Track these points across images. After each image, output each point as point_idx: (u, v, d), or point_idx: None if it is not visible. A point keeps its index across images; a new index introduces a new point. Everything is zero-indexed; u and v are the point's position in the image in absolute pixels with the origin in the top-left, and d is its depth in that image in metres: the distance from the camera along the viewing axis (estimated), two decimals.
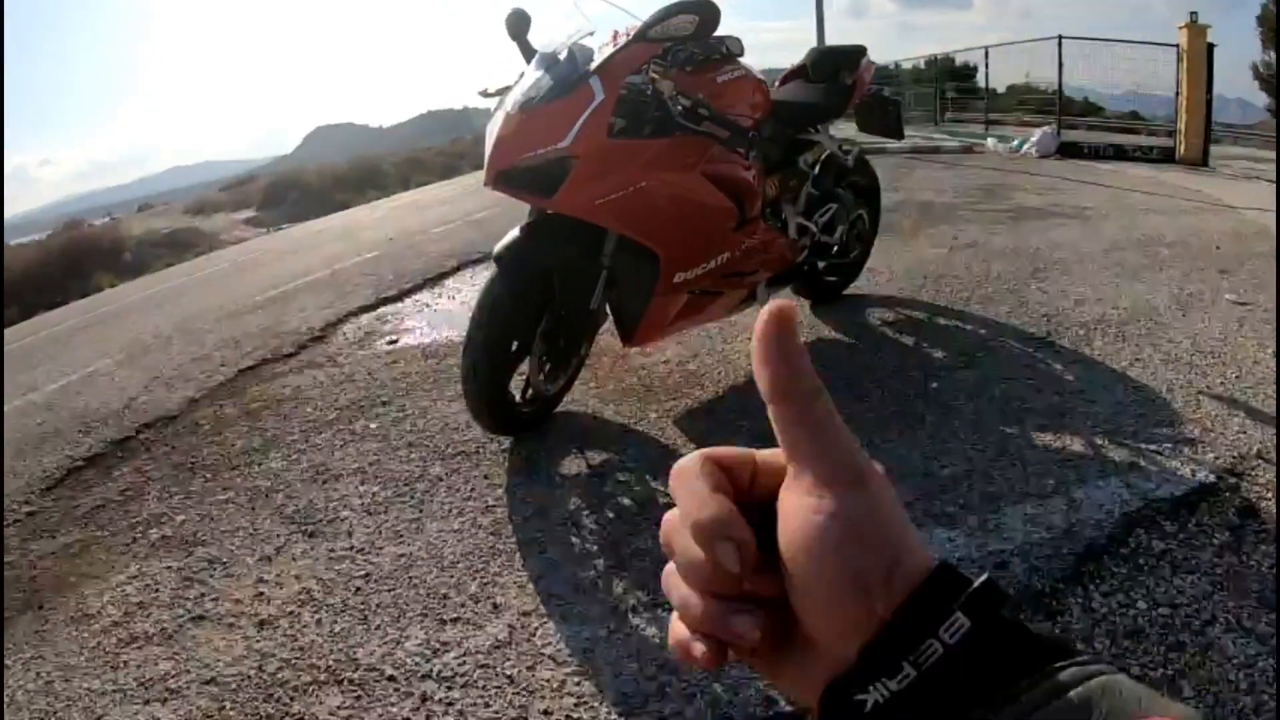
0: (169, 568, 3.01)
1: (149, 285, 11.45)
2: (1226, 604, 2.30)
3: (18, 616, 2.94)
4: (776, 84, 4.62)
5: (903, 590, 0.38)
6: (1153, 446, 3.18)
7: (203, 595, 2.81)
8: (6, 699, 2.52)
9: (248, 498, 3.44)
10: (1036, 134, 14.06)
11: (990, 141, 15.03)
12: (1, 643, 2.76)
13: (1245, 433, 3.27)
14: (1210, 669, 2.07)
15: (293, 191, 30.17)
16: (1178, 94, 13.63)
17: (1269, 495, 2.85)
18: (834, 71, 4.55)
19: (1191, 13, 13.34)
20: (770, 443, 0.42)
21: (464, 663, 2.31)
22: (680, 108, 3.24)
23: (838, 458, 0.40)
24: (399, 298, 6.28)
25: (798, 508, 0.40)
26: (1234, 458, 3.07)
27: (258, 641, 2.52)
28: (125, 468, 3.98)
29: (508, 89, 3.42)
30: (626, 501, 3.04)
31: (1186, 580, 2.40)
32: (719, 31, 3.42)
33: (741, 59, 3.85)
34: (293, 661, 2.41)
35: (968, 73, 22.81)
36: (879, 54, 4.51)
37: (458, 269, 6.99)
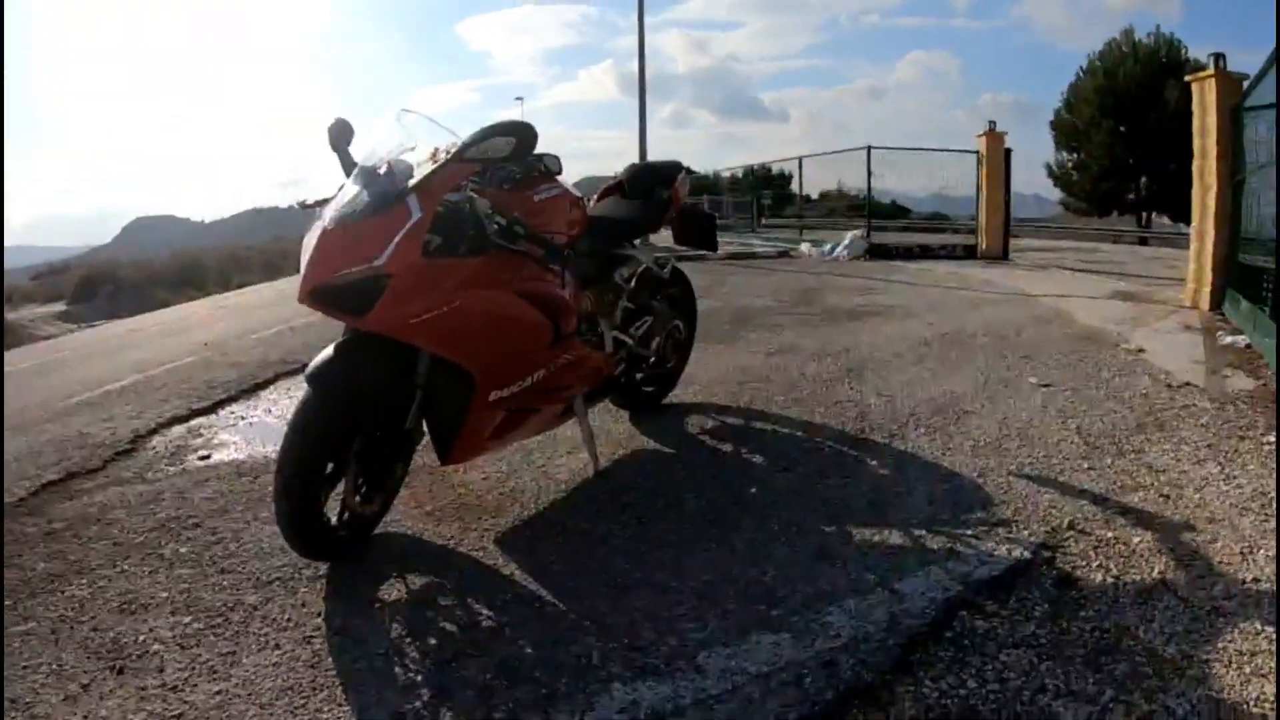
0: None
1: None
2: (1055, 671, 2.43)
3: None
4: (593, 199, 4.74)
5: None
6: (969, 531, 3.36)
7: None
8: None
9: (50, 629, 3.20)
10: (847, 238, 14.79)
11: (805, 246, 15.69)
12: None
13: (1056, 507, 3.53)
14: None
15: (108, 285, 29.09)
16: (978, 195, 14.55)
17: (1083, 564, 3.07)
18: (650, 187, 4.71)
19: (990, 122, 14.45)
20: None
21: None
22: (495, 226, 3.28)
23: None
24: (213, 409, 6.06)
25: None
26: (1047, 532, 3.31)
27: None
28: None
29: (326, 201, 3.40)
30: (449, 627, 2.98)
31: (1013, 655, 2.53)
32: (541, 147, 3.51)
33: (559, 177, 3.94)
34: None
35: (784, 180, 23.88)
36: (700, 163, 4.73)
37: (274, 380, 6.81)
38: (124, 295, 26.85)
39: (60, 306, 28.69)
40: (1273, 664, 2.43)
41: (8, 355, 13.27)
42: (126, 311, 20.95)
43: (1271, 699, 2.29)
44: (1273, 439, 4.16)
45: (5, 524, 4.23)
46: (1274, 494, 3.55)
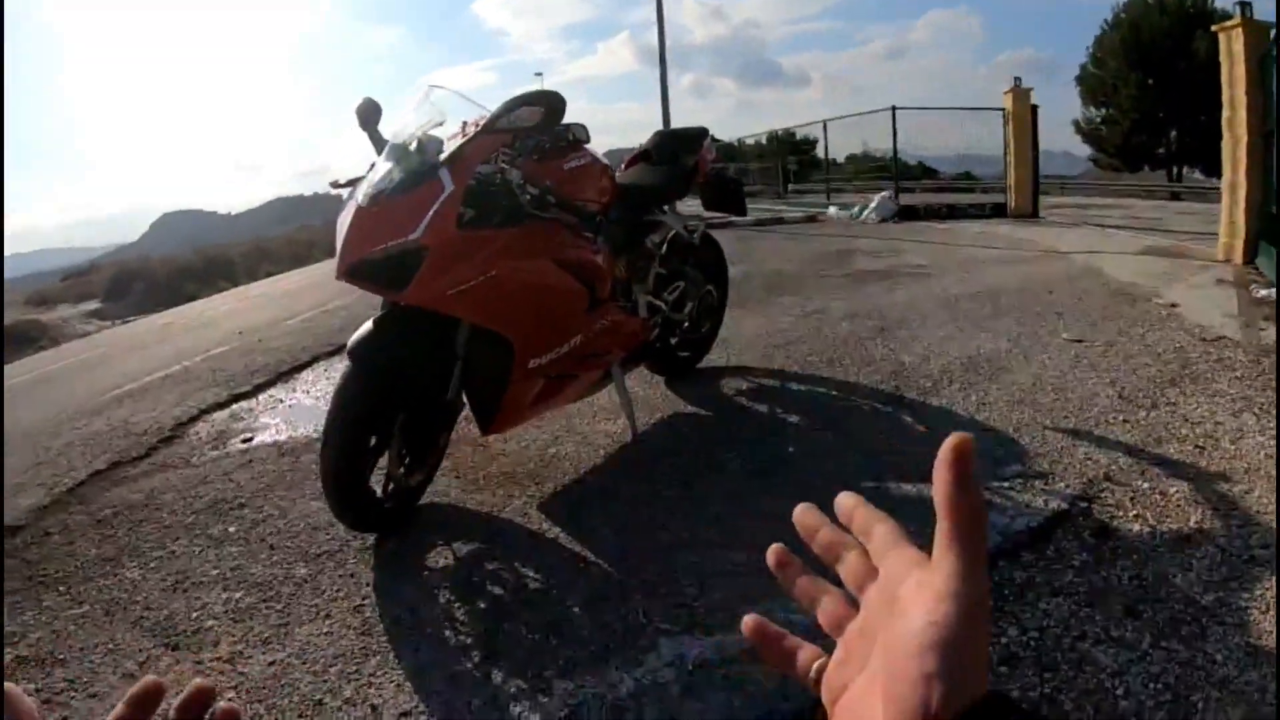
0: (26, 690, 2.83)
1: None
2: (1093, 618, 2.45)
3: None
4: (622, 167, 4.76)
5: (959, 707, 0.44)
6: (1006, 484, 3.38)
7: (65, 718, 2.68)
8: None
9: (105, 611, 3.27)
10: (875, 200, 14.62)
11: (832, 210, 15.56)
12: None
13: (1092, 460, 3.54)
14: (1086, 681, 2.20)
15: (138, 282, 29.24)
16: (1006, 153, 14.37)
17: (1120, 514, 3.07)
18: (676, 154, 4.73)
19: (1015, 78, 14.20)
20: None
21: None
22: (528, 196, 3.32)
23: (972, 582, 0.47)
24: (252, 394, 6.15)
25: (921, 602, 0.47)
26: (1083, 484, 3.31)
27: None
28: None
29: (359, 180, 3.44)
30: (496, 590, 3.04)
31: (1052, 603, 2.56)
32: (565, 119, 3.53)
33: (588, 145, 3.96)
34: None
35: (808, 145, 23.70)
36: (723, 131, 4.75)
37: (310, 362, 6.88)
38: (155, 291, 26.92)
39: (93, 305, 28.80)
40: None
41: (47, 354, 13.44)
42: (159, 306, 21.07)
43: None
44: None
45: (55, 513, 4.31)
46: None
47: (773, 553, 0.61)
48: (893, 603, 0.50)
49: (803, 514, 0.61)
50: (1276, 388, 4.14)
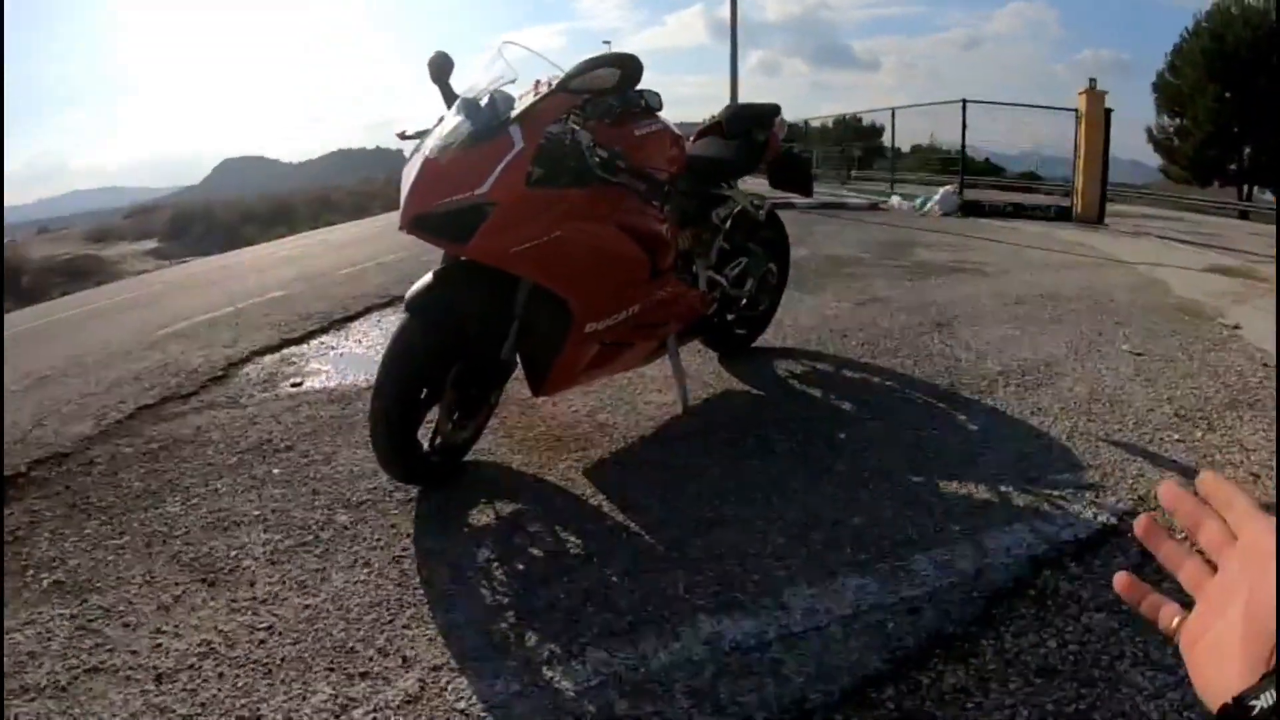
0: (62, 615, 2.86)
1: (45, 314, 11.05)
2: (1134, 639, 2.39)
3: None
4: (691, 139, 4.71)
5: None
6: (1056, 492, 3.31)
7: (98, 645, 2.68)
8: None
9: (144, 543, 3.29)
10: (939, 192, 14.46)
11: (895, 199, 15.41)
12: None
13: (1144, 476, 3.45)
14: (1121, 702, 2.15)
15: (199, 224, 29.64)
16: (1076, 155, 14.14)
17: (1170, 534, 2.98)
18: (747, 129, 4.66)
19: (1091, 79, 13.96)
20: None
21: (373, 719, 2.25)
22: (598, 159, 3.27)
23: None
24: (304, 339, 6.17)
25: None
26: (1134, 500, 3.24)
27: (156, 696, 2.41)
28: (15, 507, 3.77)
29: (426, 132, 3.42)
30: (537, 553, 3.01)
31: (1094, 618, 2.50)
32: (640, 86, 3.48)
33: (660, 113, 3.92)
34: (193, 717, 2.32)
35: (874, 132, 23.50)
36: (790, 112, 4.72)
37: (364, 312, 6.90)
38: (214, 233, 27.30)
39: (152, 244, 29.24)
40: None
41: (102, 290, 13.61)
42: (216, 249, 21.33)
43: None
44: None
45: (102, 443, 4.35)
46: None
47: (1140, 523, 0.74)
48: (1254, 562, 0.60)
49: (1167, 489, 0.72)
50: (1277, 389, 4.04)
